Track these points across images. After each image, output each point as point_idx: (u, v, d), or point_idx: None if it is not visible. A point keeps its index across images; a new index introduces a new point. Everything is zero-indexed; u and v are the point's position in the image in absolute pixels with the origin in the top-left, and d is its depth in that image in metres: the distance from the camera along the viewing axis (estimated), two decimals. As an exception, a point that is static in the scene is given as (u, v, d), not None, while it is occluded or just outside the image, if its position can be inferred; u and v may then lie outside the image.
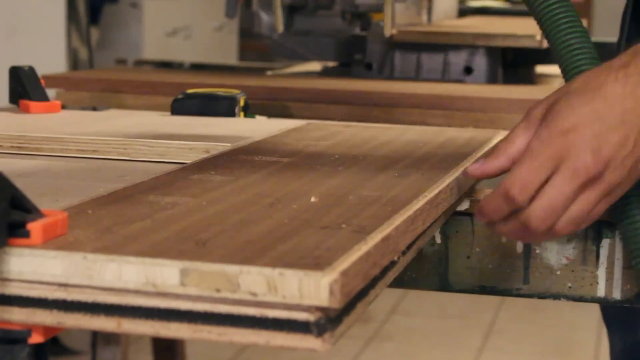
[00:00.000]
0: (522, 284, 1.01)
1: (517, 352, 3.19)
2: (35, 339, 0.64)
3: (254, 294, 0.58)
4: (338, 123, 1.28)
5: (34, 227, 0.62)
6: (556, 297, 1.00)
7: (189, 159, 1.00)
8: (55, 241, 0.63)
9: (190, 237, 0.65)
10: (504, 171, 0.86)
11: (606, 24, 5.32)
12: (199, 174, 0.88)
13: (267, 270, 0.58)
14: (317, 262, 0.60)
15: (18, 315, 0.63)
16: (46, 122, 1.19)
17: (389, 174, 0.91)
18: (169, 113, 1.28)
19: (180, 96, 1.29)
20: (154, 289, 0.60)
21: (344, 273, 0.59)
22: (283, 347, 0.59)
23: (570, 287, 1.00)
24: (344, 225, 0.70)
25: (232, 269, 0.59)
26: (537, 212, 0.83)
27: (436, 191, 0.84)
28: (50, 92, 1.37)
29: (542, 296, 1.01)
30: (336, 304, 0.58)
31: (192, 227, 0.68)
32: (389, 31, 1.52)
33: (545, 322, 3.44)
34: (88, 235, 0.65)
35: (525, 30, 1.72)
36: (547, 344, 3.26)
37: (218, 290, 0.59)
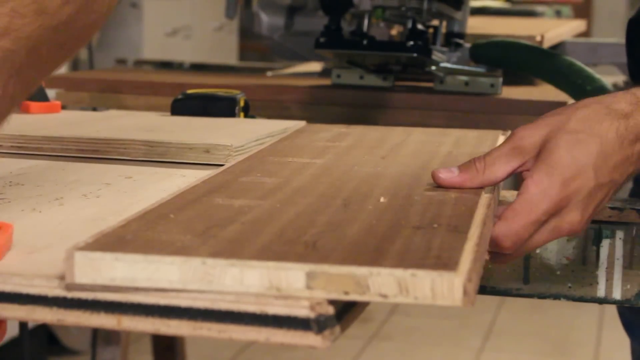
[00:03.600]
0: (522, 284, 1.01)
1: (517, 352, 3.19)
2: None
3: (384, 296, 0.59)
4: (339, 125, 1.27)
5: None
6: (556, 297, 1.00)
7: (189, 159, 1.00)
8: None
9: (295, 240, 0.64)
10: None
11: (606, 24, 5.32)
12: (245, 177, 0.86)
13: (399, 272, 0.59)
14: (445, 263, 0.60)
15: (18, 312, 0.63)
16: (46, 122, 1.19)
17: (429, 173, 0.87)
18: (169, 113, 1.28)
19: (180, 96, 1.29)
20: (277, 293, 0.59)
21: (470, 272, 0.60)
22: (283, 344, 0.59)
23: (570, 287, 1.00)
24: (435, 225, 0.70)
25: (361, 270, 0.59)
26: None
27: (494, 187, 0.84)
28: (50, 92, 1.37)
29: (542, 296, 1.01)
30: (469, 304, 0.59)
31: (290, 229, 0.67)
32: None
33: (545, 322, 3.44)
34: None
35: (525, 30, 1.72)
36: (547, 344, 3.26)
37: (346, 293, 0.59)
